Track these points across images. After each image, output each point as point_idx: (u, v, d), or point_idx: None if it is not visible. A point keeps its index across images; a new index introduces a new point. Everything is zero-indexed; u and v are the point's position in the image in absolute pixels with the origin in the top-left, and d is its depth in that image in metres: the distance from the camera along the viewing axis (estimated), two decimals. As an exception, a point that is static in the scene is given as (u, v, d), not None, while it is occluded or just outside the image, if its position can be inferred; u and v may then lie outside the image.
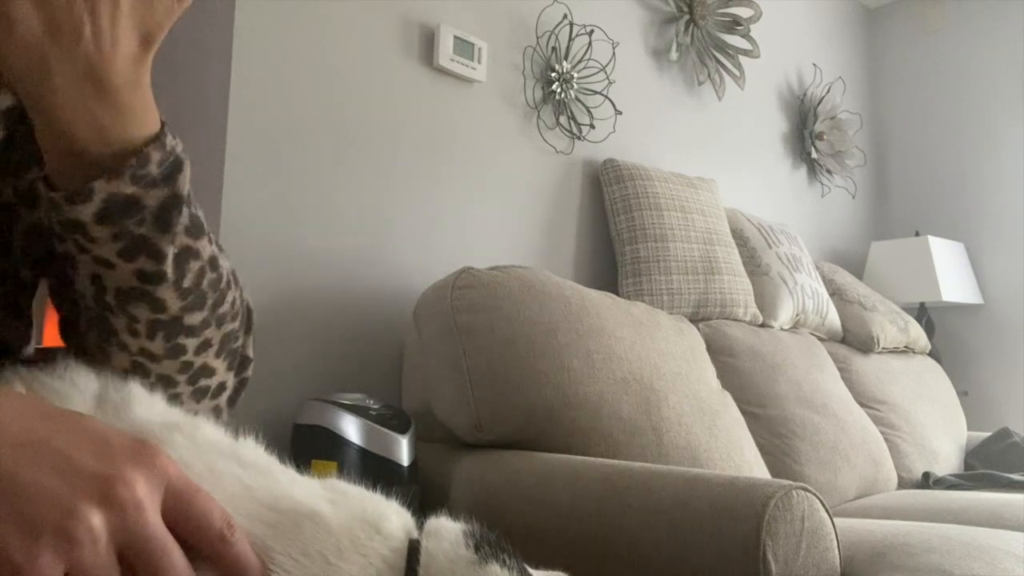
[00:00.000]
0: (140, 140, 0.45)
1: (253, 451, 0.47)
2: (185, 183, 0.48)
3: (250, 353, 0.61)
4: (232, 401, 0.61)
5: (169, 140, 0.46)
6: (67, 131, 0.43)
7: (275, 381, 1.38)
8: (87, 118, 0.42)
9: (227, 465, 0.44)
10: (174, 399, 0.55)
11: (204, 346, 0.54)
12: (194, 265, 0.50)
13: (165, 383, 0.54)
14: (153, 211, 0.46)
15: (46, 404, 0.39)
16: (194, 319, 0.52)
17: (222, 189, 1.35)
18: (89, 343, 0.53)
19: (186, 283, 0.50)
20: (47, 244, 0.55)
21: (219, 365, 0.57)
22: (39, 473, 0.34)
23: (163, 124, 0.46)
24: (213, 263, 0.52)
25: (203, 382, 0.56)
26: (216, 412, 0.60)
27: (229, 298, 0.55)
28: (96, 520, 0.34)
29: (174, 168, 0.46)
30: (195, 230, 0.50)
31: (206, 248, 0.51)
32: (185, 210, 0.48)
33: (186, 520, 0.38)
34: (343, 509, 0.44)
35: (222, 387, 0.59)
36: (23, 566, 0.32)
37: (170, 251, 0.48)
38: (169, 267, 0.48)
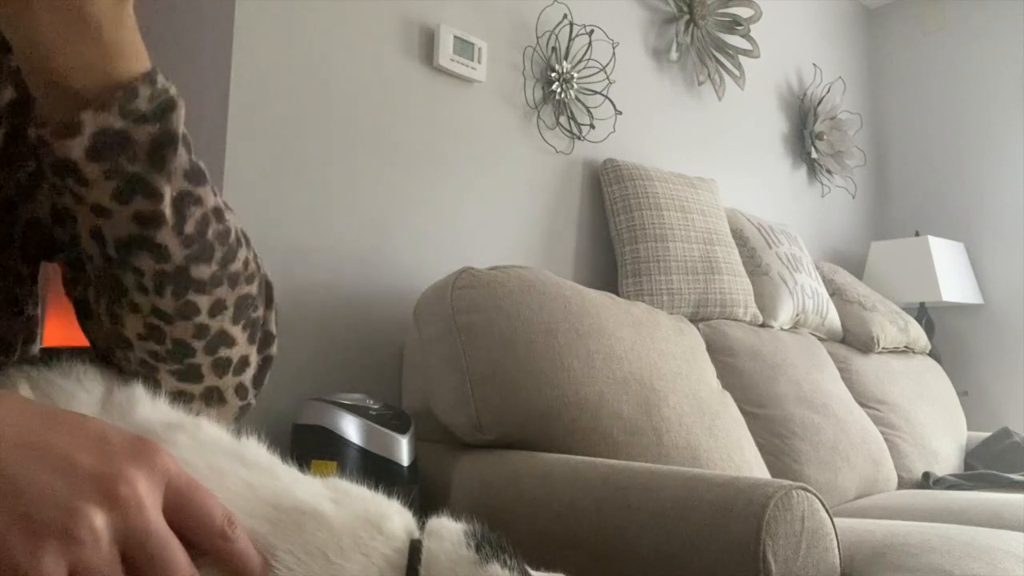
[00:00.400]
0: (127, 77, 0.44)
1: (255, 450, 0.47)
2: (179, 123, 0.47)
3: (273, 329, 0.60)
4: (257, 381, 0.60)
5: (161, 80, 0.46)
6: (49, 61, 0.42)
7: (275, 381, 1.38)
8: (69, 51, 0.42)
9: (230, 464, 0.44)
10: (194, 372, 0.54)
11: (218, 307, 0.52)
12: (195, 211, 0.49)
13: (183, 351, 0.52)
14: (145, 148, 0.45)
15: (45, 405, 0.39)
16: (201, 272, 0.50)
17: (222, 189, 1.35)
18: (102, 314, 0.53)
19: (187, 229, 0.48)
20: (46, 237, 0.55)
21: (238, 334, 0.55)
22: (40, 474, 0.34)
23: (155, 67, 0.46)
24: (218, 214, 0.51)
25: (223, 352, 0.54)
26: (240, 392, 0.58)
27: (241, 256, 0.54)
28: (98, 519, 0.34)
29: (166, 105, 0.46)
30: (195, 176, 0.49)
31: (209, 197, 0.50)
32: (182, 151, 0.47)
33: (187, 517, 0.38)
34: (345, 508, 0.44)
35: (245, 362, 0.57)
36: (26, 567, 0.32)
37: (166, 191, 0.46)
38: (167, 208, 0.47)
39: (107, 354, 0.55)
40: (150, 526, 0.36)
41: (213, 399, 0.56)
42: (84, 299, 0.54)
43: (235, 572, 0.39)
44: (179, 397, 0.54)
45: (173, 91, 0.46)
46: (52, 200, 0.53)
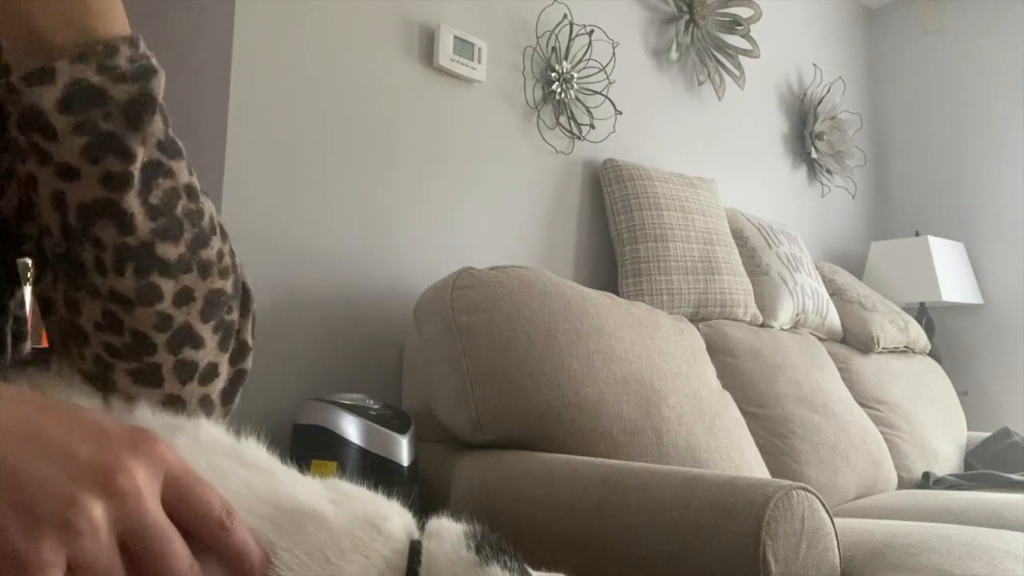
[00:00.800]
0: (109, 36, 0.43)
1: (255, 451, 0.47)
2: (159, 89, 0.45)
3: (249, 340, 0.55)
4: (227, 396, 0.54)
5: (143, 46, 0.44)
6: (29, 15, 0.41)
7: (275, 381, 1.38)
8: (52, 3, 0.41)
9: (230, 465, 0.44)
10: (154, 374, 0.49)
11: (185, 296, 0.48)
12: (165, 183, 0.46)
13: (142, 346, 0.48)
14: (122, 106, 0.43)
15: (42, 397, 0.39)
16: (167, 251, 0.47)
17: (222, 189, 1.35)
18: (59, 303, 0.49)
19: (154, 199, 0.46)
20: (12, 235, 0.53)
21: (207, 335, 0.50)
22: (38, 464, 0.34)
23: (138, 36, 0.45)
24: (191, 192, 0.48)
25: (188, 352, 0.49)
26: (206, 404, 0.52)
27: (215, 245, 0.50)
28: (96, 509, 0.34)
29: (146, 70, 0.44)
30: (170, 149, 0.47)
31: (183, 173, 0.47)
32: (158, 119, 0.45)
33: (186, 508, 0.38)
34: (345, 510, 0.44)
35: (213, 370, 0.52)
36: (26, 557, 0.32)
37: (139, 152, 0.44)
38: (136, 171, 0.44)
39: (63, 351, 0.51)
40: (149, 516, 0.36)
41: (173, 405, 0.50)
42: (46, 294, 0.51)
43: (234, 563, 0.39)
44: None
45: (154, 61, 0.45)
46: (14, 170, 0.49)
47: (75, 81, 0.42)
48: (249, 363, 0.56)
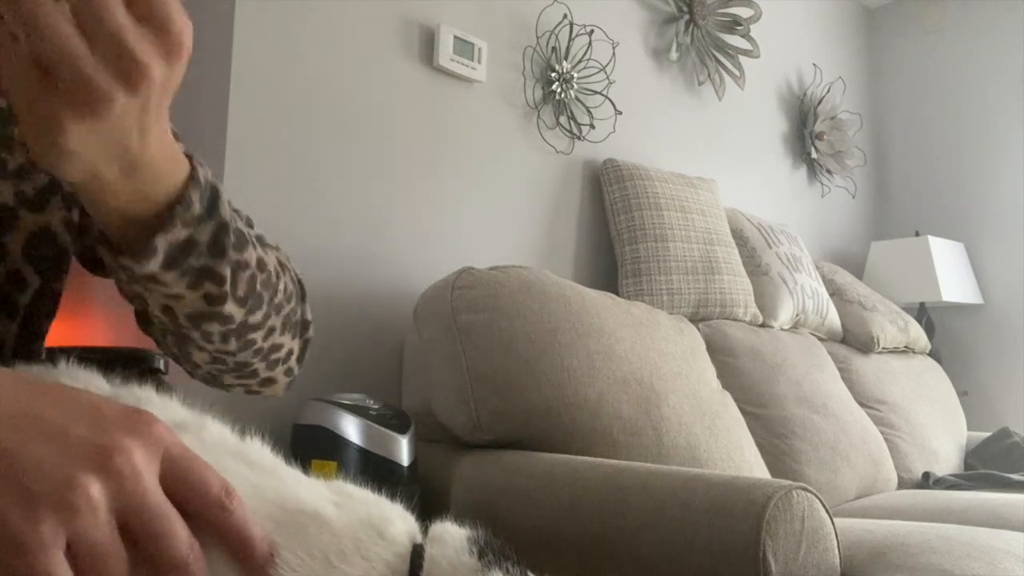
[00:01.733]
0: (180, 187, 0.48)
1: (259, 451, 0.47)
2: (226, 208, 0.51)
3: (308, 316, 0.68)
4: (300, 360, 0.69)
5: (201, 173, 0.49)
6: (116, 209, 0.46)
7: (275, 381, 1.38)
8: (131, 193, 0.45)
9: (234, 464, 0.44)
10: (252, 372, 0.64)
11: (270, 332, 0.61)
12: (244, 275, 0.55)
13: (244, 367, 0.62)
14: (207, 243, 0.50)
15: (38, 379, 0.39)
16: (257, 317, 0.58)
17: (222, 189, 1.35)
18: (170, 346, 0.60)
19: (241, 292, 0.55)
20: (57, 247, 0.58)
21: (285, 340, 0.64)
22: (35, 445, 0.34)
23: (191, 159, 0.49)
24: (261, 265, 0.57)
25: (274, 356, 0.64)
26: (288, 373, 0.68)
27: (281, 287, 0.61)
28: (95, 489, 0.34)
29: (214, 198, 0.50)
30: (240, 243, 0.54)
31: (252, 255, 0.56)
32: (231, 231, 0.52)
33: (184, 487, 0.38)
34: (348, 512, 0.44)
35: (290, 354, 0.66)
36: (24, 537, 0.32)
37: (228, 271, 0.52)
38: (229, 285, 0.53)
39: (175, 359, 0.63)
40: (147, 496, 0.36)
41: (267, 384, 0.67)
42: (148, 319, 0.60)
43: (234, 543, 0.39)
44: (239, 387, 0.66)
45: (211, 176, 0.50)
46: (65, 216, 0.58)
47: (171, 245, 0.48)
48: (311, 332, 0.69)
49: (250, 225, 0.63)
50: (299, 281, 0.67)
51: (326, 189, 1.49)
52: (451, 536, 0.46)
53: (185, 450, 0.39)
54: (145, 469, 0.36)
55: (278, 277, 0.61)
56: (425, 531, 0.47)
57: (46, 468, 0.34)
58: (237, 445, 0.46)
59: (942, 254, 2.80)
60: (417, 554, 0.44)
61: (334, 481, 0.48)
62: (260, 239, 0.62)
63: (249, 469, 0.44)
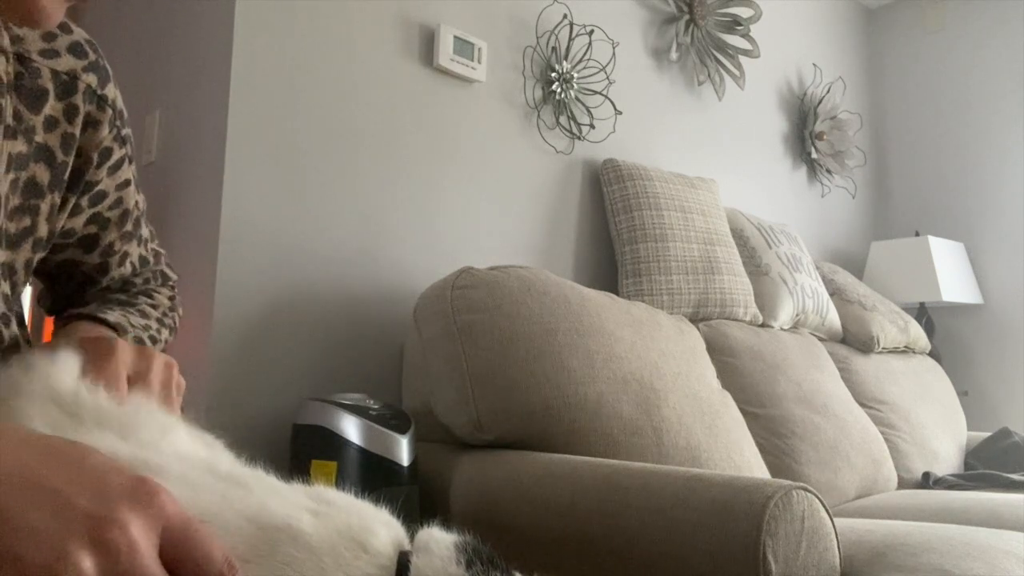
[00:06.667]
0: None
1: (230, 461, 0.46)
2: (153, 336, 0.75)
3: (178, 314, 0.84)
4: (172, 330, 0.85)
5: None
6: None
7: (275, 381, 1.38)
8: None
9: (202, 477, 0.43)
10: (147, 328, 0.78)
11: (164, 343, 0.79)
12: (162, 342, 0.78)
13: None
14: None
15: (48, 438, 0.39)
16: (166, 336, 0.80)
17: (222, 189, 1.35)
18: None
19: (162, 346, 0.77)
20: (72, 275, 0.75)
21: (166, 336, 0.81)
22: (34, 513, 0.34)
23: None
24: (170, 329, 0.80)
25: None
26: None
27: (175, 320, 0.83)
28: (86, 563, 0.34)
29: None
30: (161, 336, 0.78)
31: (164, 334, 0.78)
32: (159, 341, 0.77)
33: (186, 560, 0.38)
34: (326, 523, 0.42)
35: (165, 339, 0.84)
36: None
37: (159, 342, 0.77)
38: (159, 344, 0.76)
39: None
40: (143, 571, 0.35)
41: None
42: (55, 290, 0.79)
43: None
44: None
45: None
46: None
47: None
48: (174, 278, 0.88)
49: (157, 256, 0.82)
50: (172, 283, 0.86)
51: (326, 189, 1.49)
52: (438, 544, 0.44)
53: (187, 521, 0.38)
54: (142, 542, 0.36)
55: (172, 317, 0.81)
56: (414, 535, 0.46)
57: (41, 537, 0.33)
58: (207, 455, 0.46)
59: (942, 254, 2.80)
60: (403, 565, 0.42)
61: (315, 487, 0.46)
62: (154, 300, 0.80)
63: (220, 481, 0.43)
